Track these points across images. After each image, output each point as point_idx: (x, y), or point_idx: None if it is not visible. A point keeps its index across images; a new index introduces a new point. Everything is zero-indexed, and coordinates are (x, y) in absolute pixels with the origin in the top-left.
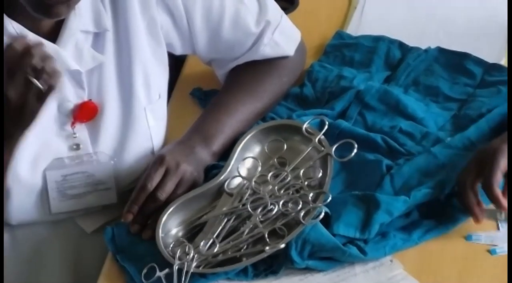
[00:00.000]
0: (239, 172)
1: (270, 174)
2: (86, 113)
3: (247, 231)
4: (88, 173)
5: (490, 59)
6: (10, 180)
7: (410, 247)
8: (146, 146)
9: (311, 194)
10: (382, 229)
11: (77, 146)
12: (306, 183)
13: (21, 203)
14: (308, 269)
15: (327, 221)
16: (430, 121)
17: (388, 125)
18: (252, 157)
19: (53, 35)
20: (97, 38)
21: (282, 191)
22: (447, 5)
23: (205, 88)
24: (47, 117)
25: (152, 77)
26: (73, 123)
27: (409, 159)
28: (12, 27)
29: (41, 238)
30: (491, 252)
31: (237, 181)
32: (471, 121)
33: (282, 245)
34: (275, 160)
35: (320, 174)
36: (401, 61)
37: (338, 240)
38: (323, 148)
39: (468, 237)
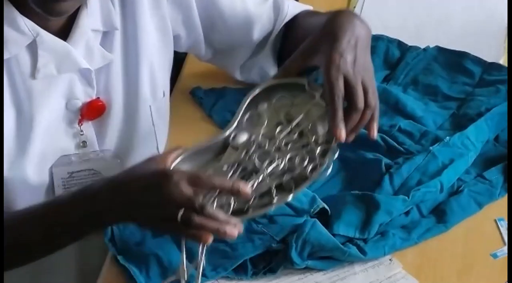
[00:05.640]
0: (244, 127)
1: (276, 130)
2: (94, 111)
3: (253, 184)
4: (94, 171)
5: (489, 58)
6: (17, 178)
7: (409, 246)
8: (150, 144)
9: (318, 148)
10: (382, 228)
11: (84, 144)
12: (313, 139)
13: (27, 201)
14: (307, 268)
15: (326, 221)
16: (429, 120)
17: (387, 124)
18: (258, 113)
19: (64, 33)
20: (106, 36)
21: (288, 147)
22: (445, 4)
23: (205, 87)
24: (56, 115)
25: (158, 75)
26: (80, 121)
27: (408, 158)
28: (24, 24)
29: None
30: (493, 256)
31: (243, 136)
32: (470, 120)
33: (290, 197)
34: (282, 116)
35: (326, 130)
36: (400, 60)
37: (338, 239)
38: (325, 104)
39: (493, 255)
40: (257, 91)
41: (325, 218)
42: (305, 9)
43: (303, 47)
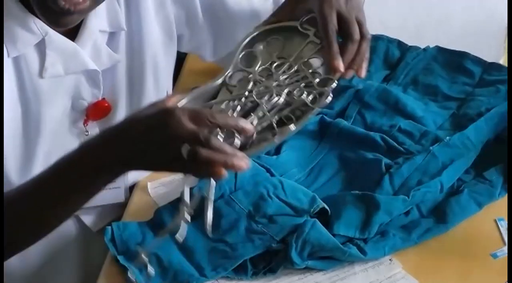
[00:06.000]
0: (241, 67)
1: (273, 66)
2: (99, 111)
3: (253, 120)
4: None
5: (489, 58)
6: (23, 178)
7: (409, 246)
8: None
9: (317, 80)
10: (382, 228)
11: None
12: (310, 72)
13: None
14: (307, 268)
15: (326, 221)
16: (429, 120)
17: (387, 124)
18: (253, 54)
19: (72, 33)
20: (112, 37)
21: (286, 81)
22: (445, 4)
23: None
24: (61, 114)
25: (162, 75)
26: (85, 121)
27: (408, 158)
28: (33, 23)
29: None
30: (493, 256)
31: (239, 77)
32: (470, 120)
33: (292, 127)
34: (275, 56)
35: (322, 63)
36: (400, 60)
37: (338, 239)
38: (319, 41)
39: (493, 255)
40: (253, 35)
41: (325, 218)
42: None
43: None
